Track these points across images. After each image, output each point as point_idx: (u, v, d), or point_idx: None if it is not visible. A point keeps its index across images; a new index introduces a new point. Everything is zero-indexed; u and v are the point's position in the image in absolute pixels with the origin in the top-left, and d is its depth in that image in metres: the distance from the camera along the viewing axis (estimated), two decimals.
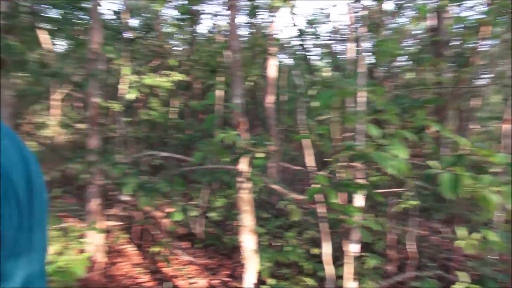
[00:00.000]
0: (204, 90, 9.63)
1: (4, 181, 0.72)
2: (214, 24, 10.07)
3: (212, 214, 4.99)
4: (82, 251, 4.20)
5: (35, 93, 7.14)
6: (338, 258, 3.43)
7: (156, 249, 4.83)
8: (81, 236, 4.22)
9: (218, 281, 4.47)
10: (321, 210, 2.92)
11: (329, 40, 10.30)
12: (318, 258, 4.17)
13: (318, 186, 2.35)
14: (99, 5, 4.71)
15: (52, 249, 3.57)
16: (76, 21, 6.70)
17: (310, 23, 9.34)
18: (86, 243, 4.35)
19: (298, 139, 2.87)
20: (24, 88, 6.62)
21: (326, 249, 2.99)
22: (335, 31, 10.18)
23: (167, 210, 4.87)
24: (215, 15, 9.02)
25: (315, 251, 4.32)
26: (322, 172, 2.52)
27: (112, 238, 5.08)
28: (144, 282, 4.42)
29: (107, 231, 4.88)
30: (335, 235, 3.75)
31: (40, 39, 6.12)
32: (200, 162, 3.40)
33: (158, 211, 4.97)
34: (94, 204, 4.69)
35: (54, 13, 6.60)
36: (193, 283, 4.40)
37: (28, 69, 4.69)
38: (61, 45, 8.25)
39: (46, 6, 6.34)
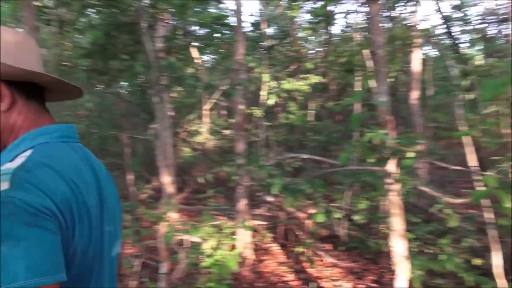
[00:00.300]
0: (339, 91, 9.51)
1: (79, 203, 0.85)
2: (347, 22, 9.87)
3: (356, 217, 4.85)
4: (233, 248, 4.54)
5: (189, 104, 8.05)
6: (506, 271, 2.96)
7: (300, 249, 4.92)
8: (232, 234, 4.56)
9: (364, 286, 4.32)
10: (488, 215, 2.56)
11: (482, 23, 9.09)
12: (480, 270, 3.69)
13: (485, 188, 2.06)
14: (242, 20, 5.06)
15: (208, 244, 3.93)
16: (220, 36, 7.34)
17: (458, 7, 8.38)
18: (236, 240, 4.69)
19: (459, 136, 2.57)
20: (180, 101, 7.52)
21: (497, 260, 2.61)
22: (489, 12, 8.94)
23: (310, 211, 4.92)
24: (350, 13, 8.84)
25: (476, 261, 3.82)
26: (489, 173, 2.20)
27: (259, 236, 5.37)
28: (289, 281, 4.54)
29: (254, 230, 5.17)
30: (502, 245, 3.25)
31: (192, 56, 6.89)
32: (343, 163, 3.34)
33: (301, 212, 5.06)
34: (242, 204, 5.04)
35: (202, 32, 7.36)
36: (338, 286, 4.34)
37: (184, 83, 5.31)
38: (208, 60, 9.13)
39: (196, 26, 7.12)
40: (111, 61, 4.77)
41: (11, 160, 0.83)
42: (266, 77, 6.57)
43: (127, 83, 7.36)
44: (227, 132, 8.72)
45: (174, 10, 5.33)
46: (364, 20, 7.86)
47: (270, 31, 8.96)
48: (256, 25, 8.41)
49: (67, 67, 4.79)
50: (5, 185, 0.74)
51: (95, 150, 8.73)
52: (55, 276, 0.73)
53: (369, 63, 6.67)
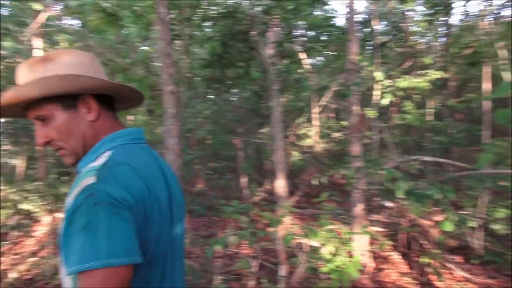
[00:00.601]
0: (459, 87, 8.63)
1: (151, 197, 0.97)
2: (466, 11, 8.92)
3: (496, 227, 4.29)
4: (350, 254, 4.36)
5: (298, 107, 8.07)
6: None
7: (425, 260, 4.53)
8: (349, 239, 4.38)
9: None
10: None
11: None
12: None
13: None
14: (354, 18, 4.88)
15: (327, 249, 3.83)
16: (328, 37, 7.21)
17: None
18: (353, 246, 4.50)
19: None
20: (290, 104, 7.58)
21: None
22: None
23: (436, 218, 4.50)
24: (470, 0, 7.96)
25: None
26: None
27: (377, 244, 5.09)
28: None
29: (372, 237, 4.92)
30: None
31: (302, 59, 6.90)
32: (483, 166, 2.96)
33: (425, 219, 4.66)
34: (358, 208, 4.83)
35: (310, 35, 7.32)
36: None
37: (297, 86, 5.31)
38: (316, 62, 9.06)
39: (304, 29, 7.11)
40: (228, 69, 5.00)
41: (94, 160, 0.99)
42: (379, 75, 6.25)
43: (241, 90, 7.67)
44: (336, 134, 8.52)
45: (284, 15, 5.38)
46: (491, 5, 6.99)
47: (380, 28, 8.55)
48: (365, 23, 8.09)
49: (187, 78, 5.17)
50: (91, 180, 0.88)
51: (211, 155, 9.23)
52: (131, 258, 0.85)
53: (502, 53, 5.90)
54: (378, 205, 5.41)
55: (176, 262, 1.10)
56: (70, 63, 1.03)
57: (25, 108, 1.03)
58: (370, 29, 7.98)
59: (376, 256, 4.93)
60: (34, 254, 5.91)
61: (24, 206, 6.35)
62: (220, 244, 4.32)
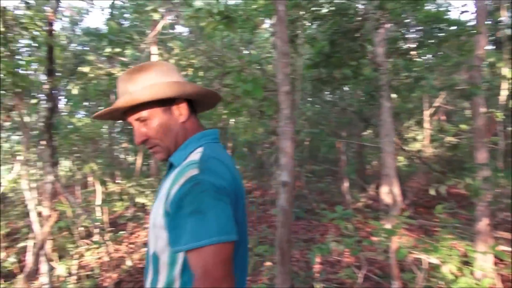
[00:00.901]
0: None
1: (236, 187, 1.10)
2: None
3: None
4: (474, 275, 3.86)
5: (407, 109, 7.50)
6: None
7: None
8: (473, 258, 3.88)
9: None
10: None
11: None
12: None
13: None
14: (484, 8, 4.34)
15: (447, 267, 3.42)
16: (443, 33, 6.56)
17: None
18: (477, 267, 3.98)
19: None
20: (399, 105, 7.08)
21: None
22: None
23: None
24: None
25: None
26: None
27: (504, 265, 4.45)
28: None
29: (501, 257, 4.31)
30: None
31: (415, 57, 6.39)
32: None
33: None
34: (483, 224, 4.28)
35: (423, 30, 6.74)
36: None
37: (410, 86, 4.92)
38: (429, 59, 8.36)
39: (417, 26, 6.56)
40: (336, 69, 4.80)
41: (186, 157, 1.14)
42: (508, 73, 5.49)
43: (347, 90, 7.39)
44: (449, 139, 7.73)
45: (397, 9, 5.01)
46: None
47: (507, 19, 7.55)
48: (488, 14, 7.21)
49: (295, 79, 5.09)
50: (195, 171, 1.03)
51: (309, 157, 9.07)
52: (234, 235, 0.99)
53: None
54: (504, 221, 4.74)
55: (247, 250, 1.22)
56: (167, 72, 1.19)
57: (126, 112, 1.19)
58: (490, 21, 7.11)
59: (504, 280, 4.31)
60: (145, 245, 6.40)
61: (139, 199, 6.90)
62: (324, 250, 4.16)
